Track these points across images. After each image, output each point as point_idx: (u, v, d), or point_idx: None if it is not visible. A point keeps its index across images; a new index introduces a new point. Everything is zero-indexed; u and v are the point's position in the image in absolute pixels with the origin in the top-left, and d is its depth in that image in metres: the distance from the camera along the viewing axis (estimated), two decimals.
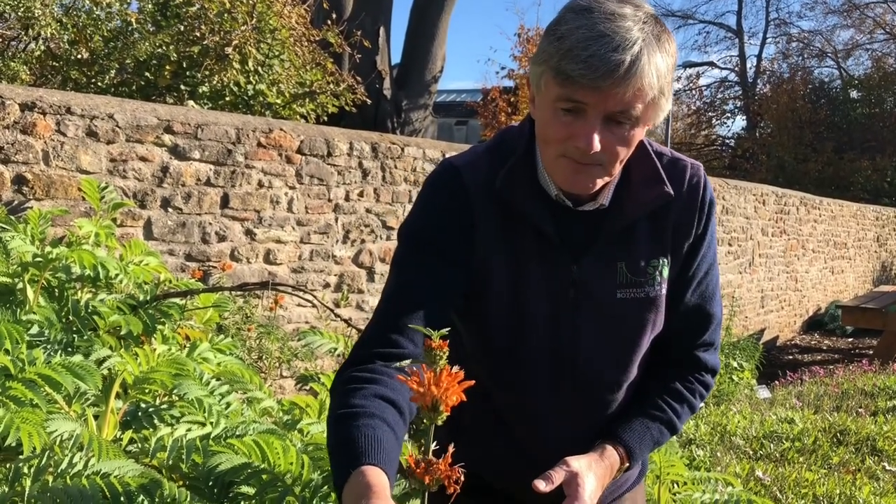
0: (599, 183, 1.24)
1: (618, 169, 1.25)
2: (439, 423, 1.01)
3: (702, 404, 1.46)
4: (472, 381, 1.02)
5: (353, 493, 1.03)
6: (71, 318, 2.54)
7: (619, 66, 1.12)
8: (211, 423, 1.93)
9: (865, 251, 14.62)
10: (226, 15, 6.41)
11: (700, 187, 1.35)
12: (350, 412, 1.13)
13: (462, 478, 1.01)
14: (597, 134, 1.17)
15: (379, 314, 1.30)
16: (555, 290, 1.31)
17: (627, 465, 1.34)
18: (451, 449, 1.01)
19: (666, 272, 1.34)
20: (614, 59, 1.12)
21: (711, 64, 22.13)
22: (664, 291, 1.34)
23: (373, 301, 5.06)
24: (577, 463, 1.22)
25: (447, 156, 1.85)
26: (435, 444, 1.03)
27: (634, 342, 1.35)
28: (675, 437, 3.86)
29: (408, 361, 1.05)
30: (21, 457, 1.62)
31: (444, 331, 1.00)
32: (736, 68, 29.28)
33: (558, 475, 1.19)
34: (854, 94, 25.47)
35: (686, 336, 1.41)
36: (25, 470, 1.52)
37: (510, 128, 1.40)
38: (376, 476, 1.04)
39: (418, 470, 0.99)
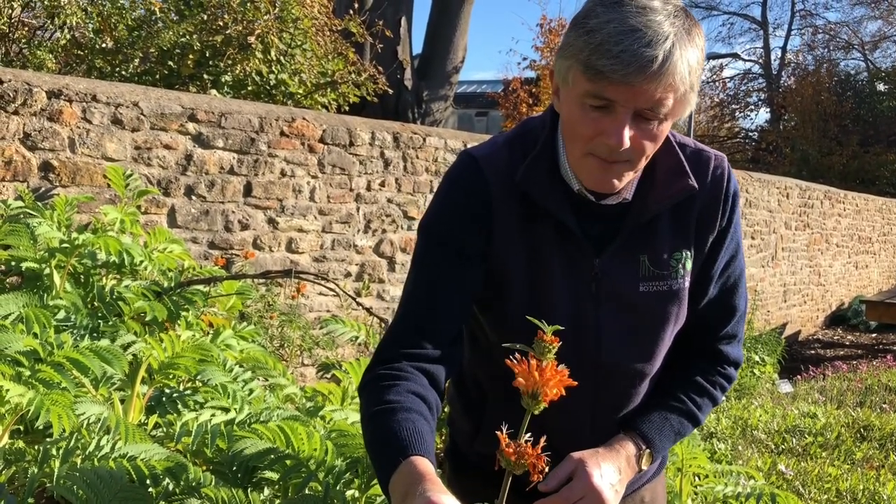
0: (626, 180, 1.24)
1: (643, 164, 1.24)
2: (536, 412, 1.05)
3: (724, 397, 1.45)
4: (575, 382, 1.06)
5: (405, 482, 1.06)
6: (96, 303, 2.57)
7: (652, 62, 1.10)
8: (235, 409, 1.95)
9: (891, 246, 14.42)
10: (248, 4, 6.42)
11: (724, 179, 1.34)
12: (387, 408, 1.17)
13: (547, 469, 1.05)
14: (626, 130, 1.15)
15: (402, 314, 1.32)
16: (576, 284, 1.30)
17: (647, 450, 1.32)
18: (542, 441, 1.05)
19: (689, 265, 1.33)
20: (647, 54, 1.10)
21: (735, 56, 21.89)
22: (687, 284, 1.33)
23: (393, 290, 5.07)
24: (579, 454, 1.23)
25: (469, 146, 1.84)
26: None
27: (657, 335, 1.34)
28: (697, 429, 3.83)
29: (519, 346, 1.07)
30: (49, 439, 1.64)
31: (557, 326, 1.05)
32: (760, 60, 28.95)
33: (562, 469, 1.20)
34: (881, 86, 25.07)
35: (709, 328, 1.40)
36: (54, 452, 1.54)
37: (532, 118, 1.38)
38: (425, 465, 1.08)
39: (508, 450, 1.04)
